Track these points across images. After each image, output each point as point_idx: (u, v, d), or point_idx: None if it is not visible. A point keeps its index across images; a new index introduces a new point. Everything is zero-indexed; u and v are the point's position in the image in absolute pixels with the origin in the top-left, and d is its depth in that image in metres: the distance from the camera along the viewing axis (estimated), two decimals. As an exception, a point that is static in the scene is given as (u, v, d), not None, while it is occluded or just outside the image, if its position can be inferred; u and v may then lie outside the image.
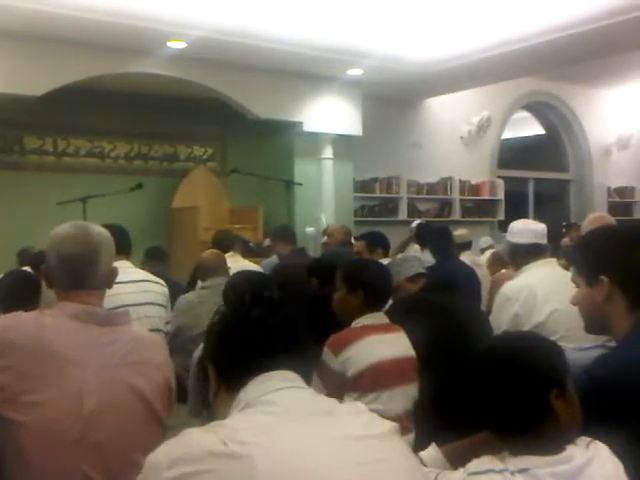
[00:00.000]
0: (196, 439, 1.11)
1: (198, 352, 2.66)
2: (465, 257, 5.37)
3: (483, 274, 5.24)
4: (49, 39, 5.72)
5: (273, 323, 1.29)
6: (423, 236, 5.27)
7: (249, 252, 6.05)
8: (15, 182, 6.90)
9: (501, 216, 9.48)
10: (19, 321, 1.71)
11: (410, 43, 6.53)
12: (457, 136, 9.26)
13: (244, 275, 3.17)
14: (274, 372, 1.23)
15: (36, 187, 6.94)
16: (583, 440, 1.35)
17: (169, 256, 6.06)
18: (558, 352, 1.41)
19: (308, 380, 1.29)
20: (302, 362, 1.30)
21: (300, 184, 7.29)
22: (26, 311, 1.88)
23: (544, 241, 3.26)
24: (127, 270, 3.14)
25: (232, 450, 1.06)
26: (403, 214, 8.73)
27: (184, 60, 6.38)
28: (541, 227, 3.29)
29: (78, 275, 1.75)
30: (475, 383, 1.41)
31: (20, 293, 2.92)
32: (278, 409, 1.16)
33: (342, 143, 7.65)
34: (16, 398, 1.57)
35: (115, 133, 7.61)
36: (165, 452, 1.11)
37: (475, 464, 1.33)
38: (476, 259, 5.92)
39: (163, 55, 6.18)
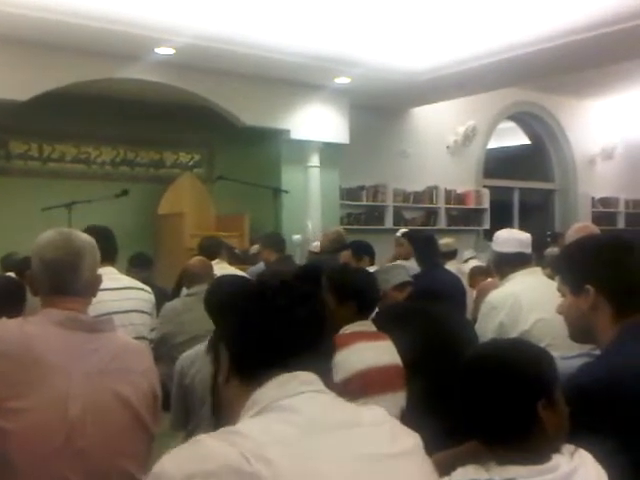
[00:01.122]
0: (213, 452, 0.98)
1: (181, 361, 2.64)
2: (450, 266, 5.39)
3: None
4: (35, 43, 5.69)
5: (300, 316, 1.18)
6: (409, 245, 5.28)
7: (235, 259, 6.04)
8: (0, 187, 6.85)
9: (486, 225, 9.53)
10: (2, 328, 1.71)
11: (398, 52, 6.56)
12: (443, 145, 9.31)
13: (226, 280, 3.09)
14: (296, 373, 1.13)
15: (21, 193, 6.91)
16: (568, 448, 1.35)
17: (154, 262, 6.04)
18: (548, 360, 1.40)
19: (326, 381, 1.18)
20: (323, 362, 1.21)
21: (287, 192, 7.30)
22: (10, 318, 1.87)
23: (529, 250, 3.28)
24: (112, 276, 3.12)
25: (257, 470, 0.95)
26: (389, 222, 8.74)
27: (172, 66, 6.37)
28: (526, 236, 3.31)
29: (60, 281, 1.74)
30: (463, 391, 1.40)
31: (4, 300, 2.89)
32: (301, 419, 1.06)
33: (329, 151, 7.67)
34: (0, 405, 1.56)
35: (101, 139, 7.58)
36: (177, 465, 0.98)
37: (460, 473, 1.33)
38: (461, 267, 5.95)
39: (151, 61, 6.18)
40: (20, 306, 2.93)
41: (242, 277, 3.67)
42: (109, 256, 3.07)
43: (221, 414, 1.21)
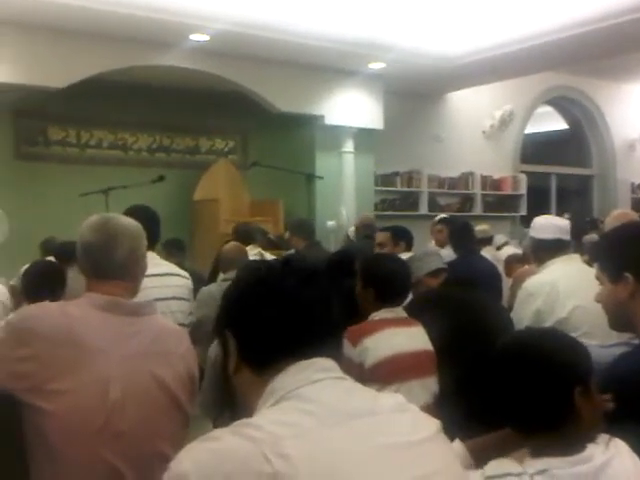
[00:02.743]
0: (231, 450, 0.94)
1: (215, 348, 2.62)
2: (486, 252, 5.34)
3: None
4: (72, 32, 5.77)
5: (308, 297, 1.11)
6: (444, 231, 5.25)
7: (270, 245, 6.07)
8: (39, 173, 6.98)
9: (523, 211, 9.42)
10: (45, 311, 1.74)
11: (433, 37, 6.50)
12: (479, 130, 9.20)
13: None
14: (313, 360, 1.08)
15: (60, 179, 7.02)
16: (603, 438, 1.34)
17: (188, 248, 6.09)
18: (584, 350, 1.40)
19: (339, 360, 1.13)
20: (336, 346, 1.15)
21: (321, 177, 7.29)
22: (51, 301, 1.91)
23: (567, 237, 3.23)
24: (154, 262, 3.14)
25: (277, 470, 0.91)
26: (424, 208, 8.70)
27: (206, 53, 6.40)
28: (565, 223, 3.27)
29: (95, 264, 1.78)
30: (498, 378, 1.40)
31: (45, 283, 2.95)
32: (319, 409, 1.01)
33: (363, 137, 7.63)
34: (42, 386, 1.59)
35: (137, 125, 7.66)
36: (195, 464, 0.94)
37: (493, 467, 1.32)
38: (497, 254, 5.89)
39: (186, 48, 6.21)
40: (60, 290, 2.99)
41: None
42: (150, 241, 3.08)
43: (236, 404, 1.17)
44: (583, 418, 1.31)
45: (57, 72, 5.82)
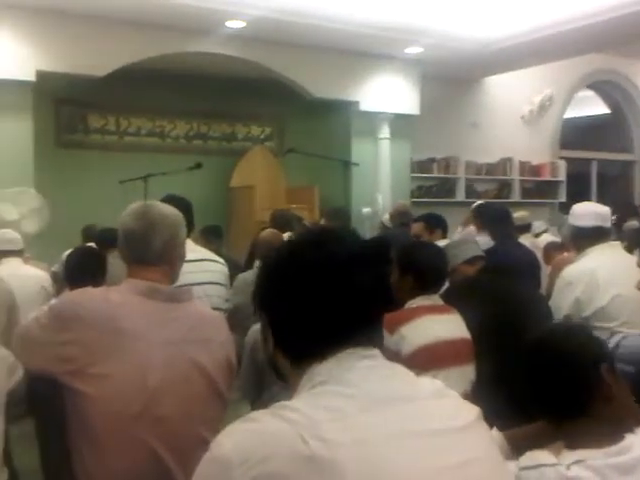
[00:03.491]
0: (270, 432, 0.93)
1: (253, 334, 2.64)
2: (524, 240, 5.28)
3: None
4: (111, 20, 5.83)
5: (357, 280, 1.04)
6: (481, 218, 5.19)
7: (306, 232, 6.08)
8: (80, 160, 7.09)
9: (562, 198, 9.27)
10: (87, 296, 1.77)
11: (470, 20, 6.40)
12: (518, 115, 9.06)
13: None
14: (353, 344, 1.04)
15: (99, 166, 7.13)
16: None
17: (225, 234, 6.14)
18: (604, 341, 1.46)
19: (381, 347, 1.09)
20: (379, 330, 1.10)
21: (357, 164, 7.27)
22: (93, 287, 1.95)
23: (608, 224, 3.18)
24: (189, 248, 3.18)
25: (314, 452, 0.89)
26: (461, 195, 8.61)
27: (242, 40, 6.41)
28: (605, 209, 3.21)
29: (135, 250, 1.81)
30: (528, 373, 1.41)
31: (87, 269, 3.01)
32: (358, 393, 0.99)
33: (399, 123, 7.58)
34: (84, 370, 1.62)
35: (175, 113, 7.73)
36: (234, 445, 0.94)
37: (527, 458, 1.32)
38: (535, 242, 5.81)
39: (222, 35, 6.23)
40: (101, 276, 3.04)
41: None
42: (187, 227, 3.12)
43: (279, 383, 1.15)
44: (615, 399, 1.31)
45: (97, 61, 5.89)
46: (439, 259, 2.72)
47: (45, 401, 1.75)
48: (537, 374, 1.39)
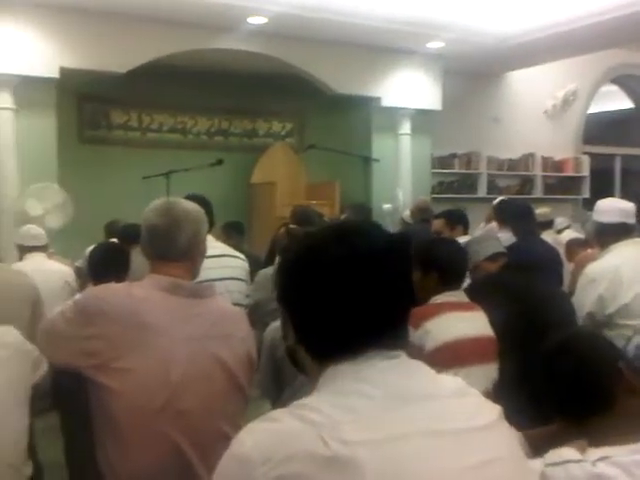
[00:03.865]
0: (290, 432, 0.93)
1: (271, 332, 2.63)
2: (547, 236, 5.23)
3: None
4: (133, 17, 5.87)
5: (381, 275, 1.01)
6: (503, 214, 5.16)
7: (326, 228, 6.07)
8: (103, 156, 7.15)
9: (586, 194, 9.18)
10: (110, 291, 1.79)
11: (492, 15, 6.36)
12: (540, 110, 8.98)
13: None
14: (375, 342, 1.02)
15: (122, 162, 7.18)
16: None
17: (246, 230, 6.17)
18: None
19: (405, 346, 1.07)
20: (403, 330, 1.08)
21: (377, 160, 7.25)
22: (116, 282, 1.97)
23: (632, 220, 3.15)
24: (209, 244, 3.20)
25: (335, 453, 0.89)
26: (482, 191, 8.56)
27: (264, 36, 6.42)
28: (629, 206, 3.18)
29: (159, 246, 1.82)
30: (549, 374, 1.42)
31: (110, 264, 3.03)
32: (379, 392, 0.98)
33: (421, 118, 7.55)
34: (107, 365, 1.64)
35: (196, 109, 7.77)
36: (255, 444, 0.94)
37: (553, 455, 1.32)
38: (558, 238, 5.76)
39: (244, 31, 6.24)
40: (124, 271, 3.07)
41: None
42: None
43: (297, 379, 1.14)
44: (635, 391, 1.31)
45: (119, 57, 5.94)
46: (460, 255, 2.71)
47: (69, 395, 1.78)
48: (560, 375, 1.39)
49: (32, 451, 1.83)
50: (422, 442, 0.95)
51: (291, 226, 4.34)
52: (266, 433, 0.95)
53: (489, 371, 2.51)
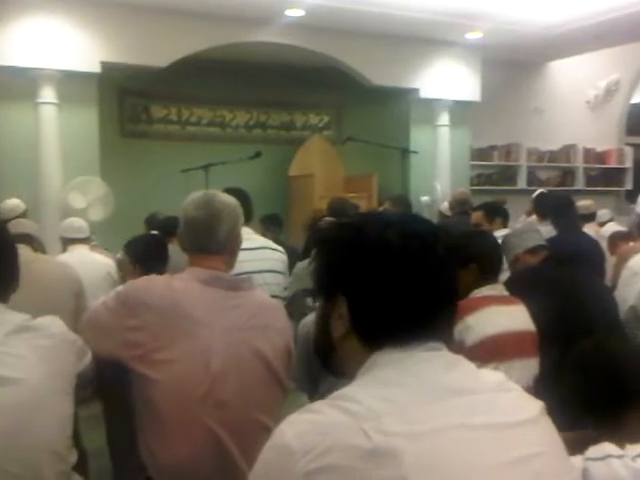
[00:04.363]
0: (331, 424, 0.93)
1: (306, 326, 2.63)
2: (589, 229, 5.15)
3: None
4: (172, 11, 5.92)
5: (436, 266, 1.04)
6: (543, 206, 5.09)
7: (364, 220, 6.07)
8: (143, 150, 7.25)
9: (629, 186, 9.00)
10: (152, 283, 1.81)
11: (532, 3, 6.25)
12: (582, 101, 8.82)
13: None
14: (419, 335, 1.03)
15: (162, 155, 7.27)
16: None
17: (285, 223, 6.19)
18: None
19: (448, 343, 1.08)
20: (449, 322, 1.10)
21: (415, 152, 7.21)
22: (158, 274, 1.99)
23: (677, 213, 3.08)
24: (248, 237, 3.23)
25: (375, 445, 0.90)
26: (522, 183, 8.45)
27: (301, 28, 6.42)
28: (674, 198, 3.11)
29: (198, 239, 1.83)
30: (584, 375, 1.41)
31: (150, 257, 3.07)
32: (420, 384, 0.98)
33: (459, 109, 7.48)
34: (149, 355, 1.67)
35: (235, 102, 7.81)
36: (296, 435, 0.94)
37: (595, 450, 1.31)
38: (600, 231, 5.66)
39: (281, 24, 6.25)
40: (164, 264, 3.10)
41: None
42: (245, 216, 3.18)
43: (339, 369, 1.11)
44: None
45: (159, 51, 6.01)
46: (497, 245, 2.69)
47: (112, 384, 1.81)
48: (594, 373, 1.39)
49: (77, 439, 1.87)
50: (461, 435, 0.95)
51: (326, 219, 4.35)
52: (307, 424, 0.95)
53: (530, 366, 2.48)
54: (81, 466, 1.74)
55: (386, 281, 1.02)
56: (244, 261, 3.04)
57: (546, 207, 4.94)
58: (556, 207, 4.71)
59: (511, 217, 4.88)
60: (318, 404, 0.99)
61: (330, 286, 1.08)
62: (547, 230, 4.18)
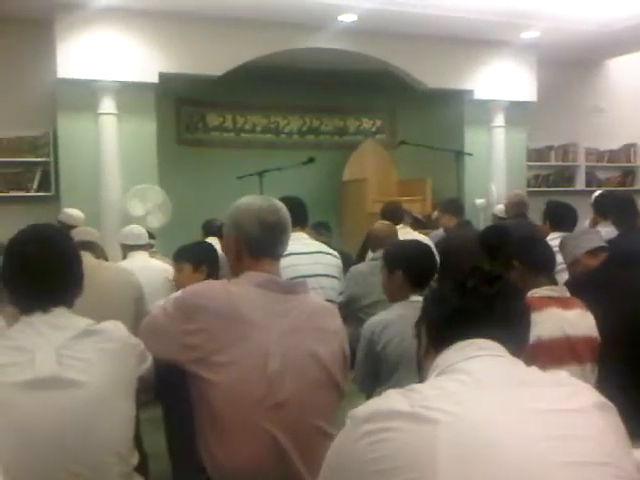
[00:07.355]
0: (390, 400, 1.15)
1: (371, 326, 2.63)
2: (651, 230, 4.99)
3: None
4: (226, 20, 6.02)
5: (487, 293, 1.30)
6: (603, 207, 4.96)
7: (418, 224, 6.05)
8: (199, 158, 7.38)
9: (693, 185, 8.69)
10: (209, 287, 1.85)
11: (589, 1, 6.11)
12: (642, 99, 8.57)
13: (402, 243, 3.16)
14: (475, 340, 1.23)
15: (218, 162, 7.39)
16: None
17: (336, 228, 6.20)
18: None
19: (519, 352, 1.28)
20: (514, 333, 1.30)
21: (470, 154, 7.13)
22: (214, 279, 2.03)
23: None
24: (303, 241, 3.27)
25: (416, 412, 1.08)
26: (581, 183, 8.27)
27: (354, 33, 6.43)
28: None
29: (269, 242, 1.85)
30: None
31: (211, 263, 3.10)
32: (469, 378, 1.15)
33: (515, 110, 7.36)
34: (208, 358, 1.70)
35: (288, 108, 7.88)
36: (365, 407, 1.16)
37: None
38: (664, 231, 5.47)
39: (334, 29, 6.28)
40: (215, 269, 3.14)
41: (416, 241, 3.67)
42: (300, 221, 3.21)
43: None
44: None
45: (214, 60, 6.11)
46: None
47: (171, 388, 1.85)
48: None
49: (138, 441, 1.91)
50: (507, 416, 1.07)
51: (380, 222, 4.34)
52: (375, 400, 1.19)
53: (584, 373, 2.41)
54: (142, 468, 1.78)
55: (445, 305, 1.33)
56: (300, 265, 3.08)
57: (607, 207, 4.81)
58: (617, 207, 4.59)
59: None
60: (389, 391, 1.18)
61: (420, 319, 1.42)
62: (607, 231, 4.07)
